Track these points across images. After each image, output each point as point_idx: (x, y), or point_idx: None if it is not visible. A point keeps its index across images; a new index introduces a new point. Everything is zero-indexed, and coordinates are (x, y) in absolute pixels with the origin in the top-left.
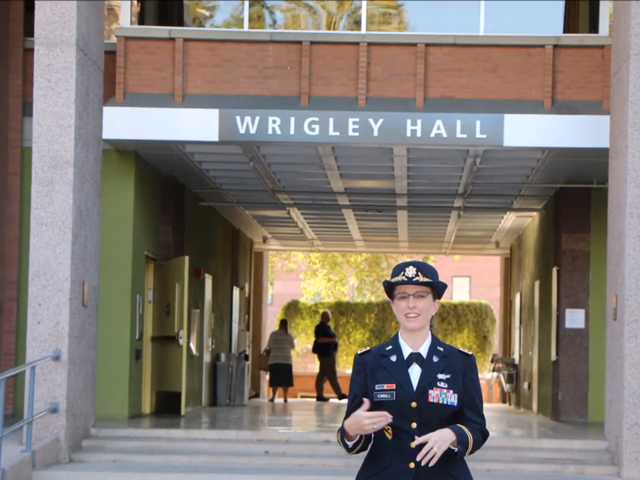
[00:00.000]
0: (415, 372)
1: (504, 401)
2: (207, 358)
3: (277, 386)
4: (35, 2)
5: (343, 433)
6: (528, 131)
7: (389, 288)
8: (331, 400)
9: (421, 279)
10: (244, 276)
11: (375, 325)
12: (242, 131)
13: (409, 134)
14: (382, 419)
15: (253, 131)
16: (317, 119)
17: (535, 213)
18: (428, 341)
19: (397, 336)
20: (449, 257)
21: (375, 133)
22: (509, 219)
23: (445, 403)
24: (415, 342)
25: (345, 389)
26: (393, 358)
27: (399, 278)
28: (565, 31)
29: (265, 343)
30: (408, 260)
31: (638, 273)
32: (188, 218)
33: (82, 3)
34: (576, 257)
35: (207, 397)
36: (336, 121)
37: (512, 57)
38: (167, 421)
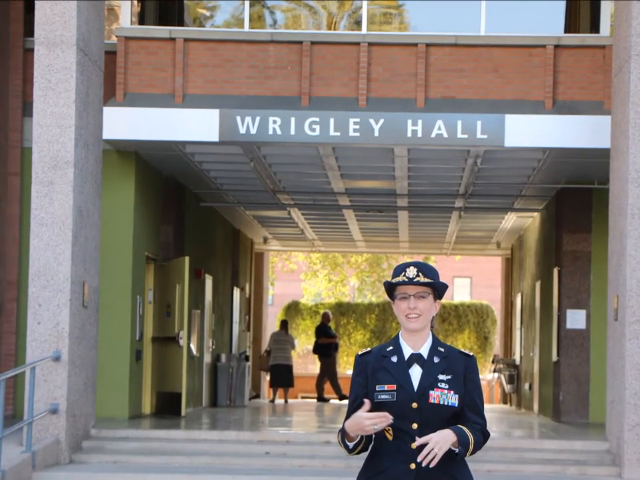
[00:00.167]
0: (415, 373)
1: (505, 402)
2: (207, 359)
3: (277, 387)
4: (35, 2)
5: (343, 433)
6: (529, 131)
7: (390, 288)
8: (331, 401)
9: (422, 279)
10: (244, 276)
11: (376, 325)
12: (242, 131)
13: (409, 134)
14: (383, 419)
15: (253, 131)
16: (317, 119)
17: (536, 214)
18: (429, 342)
19: (397, 336)
20: (449, 258)
21: (376, 134)
22: (510, 220)
23: (446, 403)
24: (415, 343)
25: (346, 389)
26: (394, 359)
27: (400, 278)
28: (566, 31)
29: (265, 344)
30: (409, 260)
31: (639, 273)
32: (188, 218)
33: (82, 3)
34: (577, 257)
35: (207, 398)
36: (337, 121)
37: (513, 57)
38: (167, 422)
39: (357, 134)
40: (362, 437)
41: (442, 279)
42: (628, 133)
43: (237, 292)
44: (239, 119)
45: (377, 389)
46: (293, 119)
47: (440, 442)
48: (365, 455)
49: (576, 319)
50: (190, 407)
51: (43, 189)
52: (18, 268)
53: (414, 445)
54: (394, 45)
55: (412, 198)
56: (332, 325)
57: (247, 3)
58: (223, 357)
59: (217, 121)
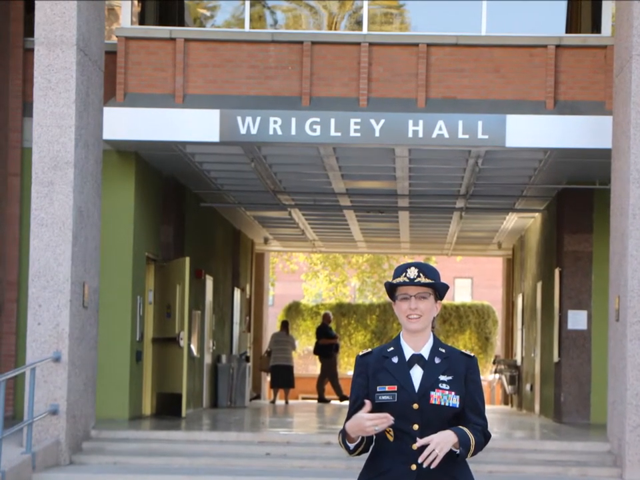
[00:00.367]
0: (416, 373)
1: (506, 403)
2: (207, 359)
3: (278, 387)
4: (35, 2)
5: (344, 434)
6: (530, 132)
7: (391, 289)
8: (332, 402)
9: (423, 280)
10: (245, 277)
11: (377, 326)
12: (243, 131)
13: (410, 134)
14: (383, 420)
15: (254, 131)
16: (318, 120)
17: (537, 214)
18: (430, 343)
19: (398, 337)
20: (450, 258)
21: (377, 134)
22: (511, 220)
23: (447, 404)
24: (416, 343)
25: (347, 390)
26: (395, 359)
27: (401, 279)
28: (567, 31)
29: (266, 345)
30: (410, 261)
31: None
32: (189, 219)
33: (82, 3)
34: (578, 258)
35: (207, 399)
36: (337, 122)
37: (514, 57)
38: (167, 423)
39: (358, 134)
40: (363, 437)
41: (443, 280)
42: (629, 133)
43: (237, 292)
44: (239, 119)
45: (377, 390)
46: (293, 119)
47: (441, 443)
48: (365, 455)
49: (577, 319)
50: (190, 408)
51: (43, 189)
52: (18, 268)
53: (415, 446)
54: (395, 45)
55: (413, 198)
56: (333, 325)
57: (247, 3)
58: (224, 358)
59: (218, 121)
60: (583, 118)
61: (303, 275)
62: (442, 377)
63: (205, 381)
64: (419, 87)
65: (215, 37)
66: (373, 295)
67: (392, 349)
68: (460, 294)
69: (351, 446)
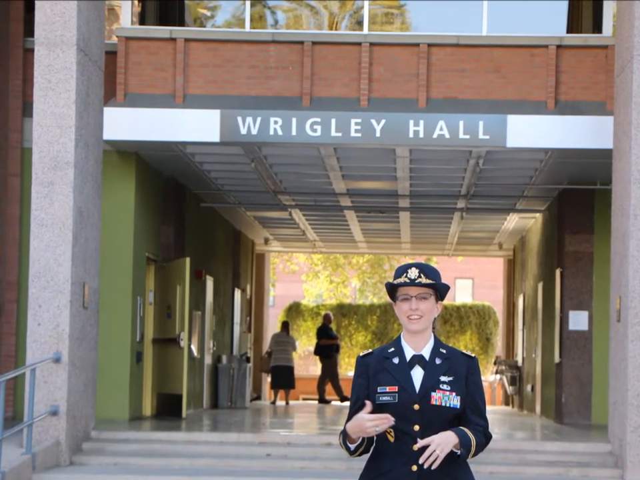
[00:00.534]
0: (417, 374)
1: (507, 404)
2: (208, 360)
3: (278, 388)
4: (35, 2)
5: (345, 435)
6: (531, 132)
7: (391, 290)
8: (332, 402)
9: (424, 280)
10: (245, 277)
11: (377, 326)
12: (243, 131)
13: (411, 135)
14: (384, 421)
15: (254, 131)
16: (318, 120)
17: (538, 214)
18: (430, 343)
19: (399, 338)
20: (451, 259)
21: (377, 134)
22: (512, 221)
23: (448, 405)
24: (417, 344)
25: (347, 391)
26: (396, 360)
27: (402, 279)
28: (568, 31)
29: (266, 345)
30: (410, 261)
31: None
32: (189, 219)
33: (82, 3)
34: (579, 258)
35: (208, 400)
36: (338, 122)
37: (515, 57)
38: (167, 424)
39: (359, 134)
40: (363, 438)
41: (444, 280)
42: (630, 133)
43: (237, 293)
44: (239, 119)
45: (378, 391)
46: (294, 120)
47: (442, 444)
48: (366, 456)
49: (578, 320)
50: (190, 409)
51: (43, 190)
52: (18, 269)
53: (415, 447)
54: (395, 45)
55: (414, 199)
56: (333, 326)
57: (247, 3)
58: (224, 359)
59: (218, 122)
60: (583, 118)
61: (304, 276)
62: (443, 378)
63: (205, 382)
64: (419, 87)
65: (215, 37)
66: (373, 295)
67: (393, 349)
68: (461, 294)
69: (352, 447)
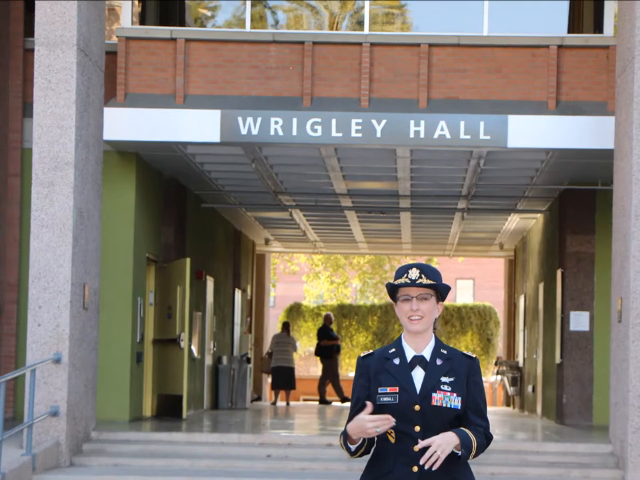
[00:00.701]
0: (418, 375)
1: (508, 404)
2: (208, 361)
3: (279, 389)
4: (36, 2)
5: (345, 436)
6: (532, 132)
7: (392, 290)
8: (333, 403)
9: (425, 281)
10: (246, 278)
11: (378, 327)
12: (244, 131)
13: (412, 135)
14: (385, 422)
15: (255, 131)
16: (319, 120)
17: (539, 215)
18: (431, 344)
19: (400, 339)
20: (452, 259)
21: (378, 134)
22: (513, 221)
23: (449, 406)
24: (418, 345)
25: (348, 392)
26: (396, 361)
27: (402, 280)
28: (569, 31)
29: (267, 346)
30: (411, 262)
31: None
32: (189, 220)
33: (83, 3)
34: (581, 259)
35: (208, 400)
36: (339, 122)
37: (516, 57)
38: (168, 424)
39: (359, 135)
40: (364, 439)
41: (444, 281)
42: (632, 133)
43: (238, 294)
44: (240, 119)
45: (379, 392)
46: (294, 120)
47: (442, 444)
48: (367, 457)
49: (579, 320)
50: (191, 410)
51: (43, 190)
52: (18, 269)
53: (416, 448)
54: (396, 45)
55: (414, 199)
56: (334, 326)
57: (248, 3)
58: (224, 359)
59: (218, 122)
60: (585, 118)
61: (304, 276)
62: (443, 379)
63: (205, 383)
64: (420, 88)
65: (215, 37)
66: (374, 296)
67: (393, 350)
68: (462, 295)
69: (353, 448)
